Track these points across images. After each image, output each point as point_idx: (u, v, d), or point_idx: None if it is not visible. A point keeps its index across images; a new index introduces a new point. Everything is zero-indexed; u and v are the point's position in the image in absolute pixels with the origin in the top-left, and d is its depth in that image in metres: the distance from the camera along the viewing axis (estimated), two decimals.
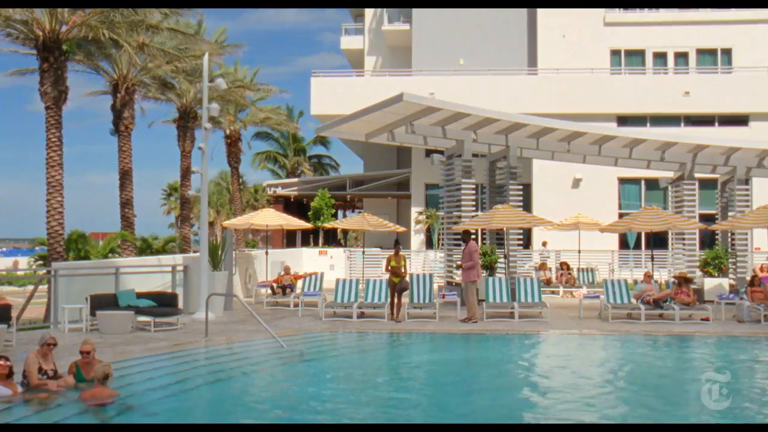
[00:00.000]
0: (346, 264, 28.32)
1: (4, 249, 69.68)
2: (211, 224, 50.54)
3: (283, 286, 18.60)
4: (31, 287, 22.80)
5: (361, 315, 15.83)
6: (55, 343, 9.21)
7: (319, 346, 13.36)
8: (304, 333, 14.14)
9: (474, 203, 19.95)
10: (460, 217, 19.12)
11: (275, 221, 21.58)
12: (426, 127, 19.03)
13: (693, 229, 19.70)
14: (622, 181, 31.80)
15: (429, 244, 33.69)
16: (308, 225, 24.32)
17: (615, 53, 33.83)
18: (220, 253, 17.68)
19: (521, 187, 20.47)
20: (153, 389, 9.70)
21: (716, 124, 31.67)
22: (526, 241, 29.61)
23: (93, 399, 8.39)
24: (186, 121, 33.32)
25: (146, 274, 16.57)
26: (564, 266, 23.06)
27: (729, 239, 21.34)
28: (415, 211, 34.28)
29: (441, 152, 21.19)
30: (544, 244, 26.59)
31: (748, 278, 17.86)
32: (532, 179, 31.34)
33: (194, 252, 22.50)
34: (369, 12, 39.21)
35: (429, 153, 29.95)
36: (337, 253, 29.67)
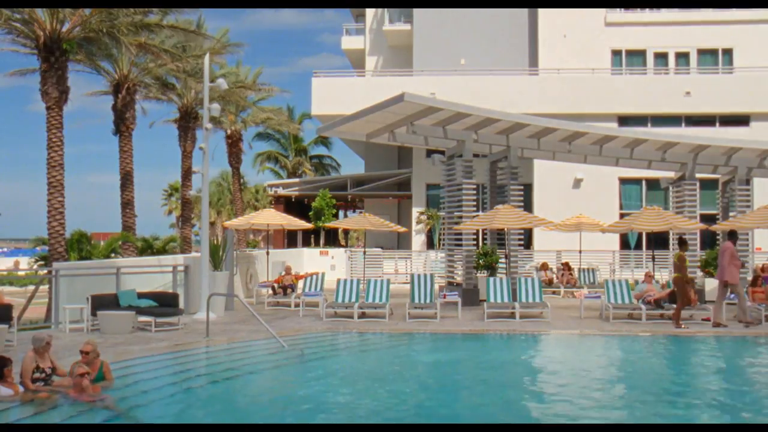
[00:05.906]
0: (347, 264, 28.33)
1: (5, 249, 69.76)
2: (212, 224, 50.59)
3: (284, 287, 18.59)
4: (32, 287, 22.80)
5: (362, 315, 15.84)
6: (48, 342, 9.11)
7: (320, 347, 13.36)
8: (305, 333, 14.14)
9: (475, 203, 19.94)
10: (461, 217, 19.12)
11: (276, 221, 21.58)
12: (427, 128, 19.02)
13: (694, 229, 19.69)
14: (623, 181, 31.79)
15: (430, 244, 33.68)
16: (309, 225, 24.31)
17: (616, 53, 33.80)
18: (221, 253, 17.69)
19: (522, 187, 20.46)
20: (154, 389, 9.70)
21: (717, 124, 31.65)
22: (527, 242, 29.61)
23: (92, 395, 8.35)
24: (187, 122, 33.32)
25: (147, 274, 16.57)
26: (565, 266, 23.04)
27: None
28: (416, 212, 34.26)
29: (442, 152, 21.17)
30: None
31: (749, 278, 17.85)
32: (533, 179, 31.32)
33: (195, 252, 22.49)
34: (370, 12, 39.19)
35: (430, 153, 29.95)
36: (338, 254, 29.69)
